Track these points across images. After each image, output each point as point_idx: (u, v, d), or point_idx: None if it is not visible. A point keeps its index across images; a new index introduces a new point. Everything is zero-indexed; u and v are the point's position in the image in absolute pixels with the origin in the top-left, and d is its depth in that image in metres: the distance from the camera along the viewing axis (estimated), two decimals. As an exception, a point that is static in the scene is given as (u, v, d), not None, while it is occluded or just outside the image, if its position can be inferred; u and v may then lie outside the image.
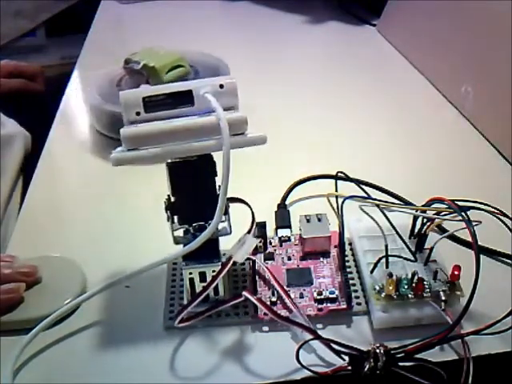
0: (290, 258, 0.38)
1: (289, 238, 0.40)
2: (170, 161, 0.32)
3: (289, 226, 0.40)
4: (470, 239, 0.30)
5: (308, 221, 0.38)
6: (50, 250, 0.40)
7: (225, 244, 0.34)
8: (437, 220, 0.35)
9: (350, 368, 0.30)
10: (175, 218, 0.33)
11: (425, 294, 0.33)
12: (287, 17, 0.85)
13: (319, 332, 0.32)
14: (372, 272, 0.34)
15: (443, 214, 0.34)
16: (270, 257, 0.38)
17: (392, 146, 0.52)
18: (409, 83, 0.64)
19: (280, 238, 0.39)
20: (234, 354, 0.32)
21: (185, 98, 0.32)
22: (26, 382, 0.31)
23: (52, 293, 0.36)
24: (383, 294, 0.33)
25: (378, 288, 0.33)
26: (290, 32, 0.80)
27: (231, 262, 0.32)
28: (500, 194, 0.42)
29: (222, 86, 0.32)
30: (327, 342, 0.31)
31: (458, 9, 0.60)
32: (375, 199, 0.41)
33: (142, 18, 0.89)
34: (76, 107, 0.64)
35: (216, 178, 0.32)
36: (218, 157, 0.31)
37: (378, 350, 0.29)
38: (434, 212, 0.35)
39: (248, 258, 0.37)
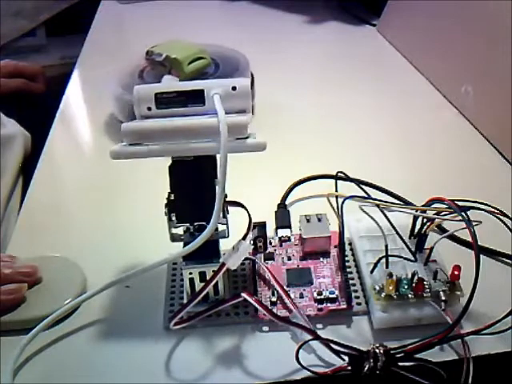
0: (289, 258, 0.38)
1: (289, 238, 0.40)
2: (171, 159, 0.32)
3: (289, 226, 0.40)
4: (470, 239, 0.30)
5: (308, 221, 0.38)
6: (50, 250, 0.40)
7: (225, 244, 0.34)
8: (437, 220, 0.35)
9: (349, 368, 0.30)
10: (173, 216, 0.33)
11: (425, 294, 0.33)
12: (287, 17, 0.85)
13: (319, 332, 0.32)
14: (372, 272, 0.34)
15: (443, 214, 0.34)
16: (269, 257, 0.38)
17: (392, 146, 0.52)
18: (409, 83, 0.64)
19: (280, 238, 0.39)
20: (233, 354, 0.32)
21: (196, 97, 0.32)
22: (25, 382, 0.31)
23: (52, 293, 0.36)
24: (383, 294, 0.32)
25: (378, 288, 0.33)
26: (290, 32, 0.80)
27: (224, 269, 0.32)
28: (500, 194, 0.42)
29: (234, 88, 0.32)
30: (327, 343, 0.31)
31: (457, 9, 0.60)
32: (375, 199, 0.41)
33: (142, 18, 0.89)
34: (76, 107, 0.64)
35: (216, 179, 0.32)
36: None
37: (377, 350, 0.29)
38: (434, 212, 0.35)
39: (248, 258, 0.37)
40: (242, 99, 0.32)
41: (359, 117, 0.57)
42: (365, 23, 0.81)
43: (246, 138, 0.31)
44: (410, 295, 0.32)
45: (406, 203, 0.43)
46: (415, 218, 0.36)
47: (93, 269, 0.38)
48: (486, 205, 0.33)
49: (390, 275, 0.32)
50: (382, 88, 0.62)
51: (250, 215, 0.33)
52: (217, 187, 0.30)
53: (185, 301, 0.34)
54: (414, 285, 0.32)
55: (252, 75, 0.57)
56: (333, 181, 0.46)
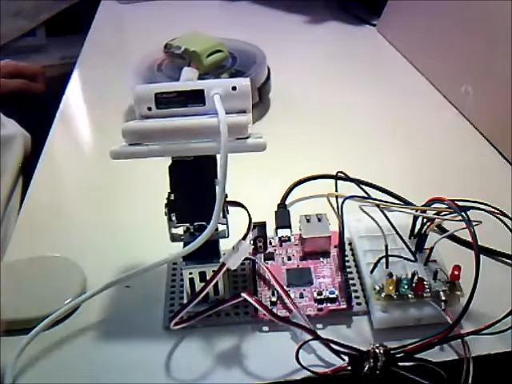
0: (289, 258, 0.38)
1: (289, 238, 0.39)
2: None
3: (289, 226, 0.40)
4: (470, 239, 0.30)
5: (308, 221, 0.38)
6: (50, 250, 0.40)
7: (225, 244, 0.34)
8: (437, 220, 0.35)
9: (349, 368, 0.30)
10: (173, 216, 0.33)
11: (425, 294, 0.33)
12: (287, 17, 0.85)
13: (319, 332, 0.32)
14: (372, 272, 0.34)
15: (443, 214, 0.34)
16: (270, 257, 0.38)
17: (392, 146, 0.52)
18: (409, 83, 0.64)
19: (280, 238, 0.39)
20: (233, 354, 0.32)
21: (196, 97, 0.32)
22: (25, 382, 0.31)
23: (52, 293, 0.36)
24: (383, 294, 0.32)
25: (378, 288, 0.33)
26: (290, 32, 0.80)
27: (224, 269, 0.32)
28: (500, 194, 0.42)
29: (234, 88, 0.32)
30: (327, 343, 0.31)
31: (458, 9, 0.60)
32: (375, 199, 0.41)
33: (141, 18, 0.89)
34: (76, 107, 0.64)
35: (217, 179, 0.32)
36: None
37: (377, 350, 0.29)
38: (434, 212, 0.35)
39: (248, 258, 0.37)
40: (242, 99, 0.32)
41: (359, 117, 0.57)
42: (365, 23, 0.81)
43: (247, 137, 0.31)
44: (410, 295, 0.32)
45: (406, 203, 0.43)
46: (415, 218, 0.36)
47: (93, 269, 0.38)
48: (486, 205, 0.33)
49: (390, 275, 0.32)
50: (382, 88, 0.62)
51: (249, 215, 0.33)
52: (217, 187, 0.30)
53: (185, 301, 0.34)
54: (414, 285, 0.32)
55: (268, 68, 0.59)
56: (333, 181, 0.46)
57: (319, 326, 0.33)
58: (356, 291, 0.35)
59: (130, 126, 0.31)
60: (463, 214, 0.31)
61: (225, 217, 0.33)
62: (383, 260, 0.34)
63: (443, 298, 0.32)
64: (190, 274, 0.33)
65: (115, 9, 0.94)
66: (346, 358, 0.30)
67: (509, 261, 0.37)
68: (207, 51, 0.54)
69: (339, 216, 0.37)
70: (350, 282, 0.35)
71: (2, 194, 0.57)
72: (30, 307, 0.35)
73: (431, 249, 0.35)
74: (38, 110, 0.73)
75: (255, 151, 0.30)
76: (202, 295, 0.32)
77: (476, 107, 0.54)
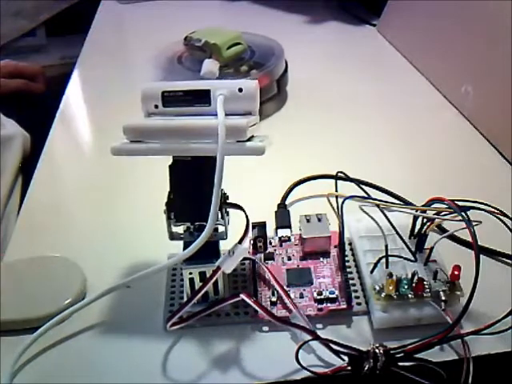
0: (290, 258, 0.38)
1: (289, 238, 0.39)
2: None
3: (289, 226, 0.40)
4: (470, 239, 0.30)
5: (308, 221, 0.38)
6: (50, 250, 0.40)
7: (226, 244, 0.34)
8: (437, 220, 0.35)
9: (349, 368, 0.30)
10: (172, 214, 0.33)
11: (425, 294, 0.33)
12: (287, 17, 0.85)
13: (319, 332, 0.32)
14: (372, 272, 0.34)
15: (443, 214, 0.34)
16: (270, 257, 0.38)
17: (392, 146, 0.52)
18: (409, 83, 0.64)
19: (280, 238, 0.39)
20: (233, 354, 0.32)
21: (202, 97, 0.32)
22: (25, 382, 0.31)
23: (52, 293, 0.36)
24: (383, 294, 0.32)
25: (378, 288, 0.33)
26: (290, 32, 0.80)
27: (219, 273, 0.32)
28: (500, 194, 0.42)
29: (241, 90, 0.32)
30: (326, 343, 0.31)
31: (457, 9, 0.60)
32: (375, 199, 0.41)
33: (141, 18, 0.90)
34: (76, 107, 0.64)
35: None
36: (227, 157, 0.31)
37: (377, 350, 0.29)
38: (434, 212, 0.35)
39: (248, 258, 0.37)
40: (248, 101, 0.32)
41: (359, 117, 0.57)
42: (365, 23, 0.81)
43: (247, 140, 0.30)
44: (410, 295, 0.32)
45: (406, 203, 0.43)
46: (415, 218, 0.36)
47: (93, 269, 0.38)
48: (486, 205, 0.33)
49: (390, 275, 0.32)
50: (382, 88, 0.62)
51: (247, 218, 0.33)
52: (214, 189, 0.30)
53: (185, 301, 0.34)
54: (414, 285, 0.32)
55: (286, 62, 0.60)
56: (333, 181, 0.46)
57: (319, 326, 0.33)
58: (356, 291, 0.35)
59: (131, 124, 0.31)
60: (463, 213, 0.31)
61: (223, 218, 0.33)
62: (383, 260, 0.34)
63: (443, 298, 0.32)
64: (190, 274, 0.33)
65: (115, 9, 0.94)
66: (346, 358, 0.30)
67: (509, 261, 0.37)
68: (227, 44, 0.56)
69: (339, 216, 0.37)
70: (350, 281, 0.35)
71: (1, 194, 0.57)
72: (30, 307, 0.35)
73: (431, 249, 0.35)
74: (37, 110, 0.73)
75: (253, 155, 0.30)
76: (197, 297, 0.32)
77: (476, 107, 0.54)
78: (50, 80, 0.81)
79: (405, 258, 0.35)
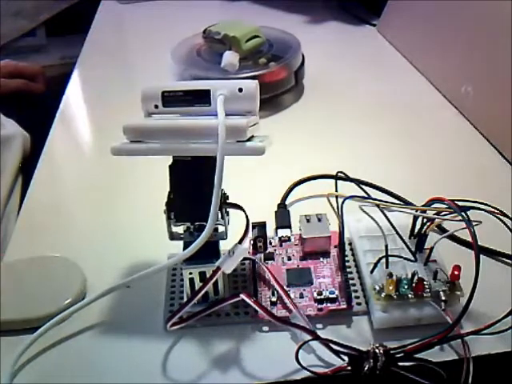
0: (290, 258, 0.38)
1: (289, 238, 0.39)
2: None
3: (289, 226, 0.40)
4: (470, 239, 0.30)
5: (308, 221, 0.38)
6: (50, 250, 0.40)
7: (227, 243, 0.34)
8: (437, 220, 0.35)
9: (349, 368, 0.30)
10: (172, 214, 0.33)
11: (425, 294, 0.33)
12: (287, 17, 0.85)
13: (319, 332, 0.32)
14: (372, 272, 0.34)
15: (443, 214, 0.34)
16: (270, 257, 0.38)
17: (392, 146, 0.52)
18: (409, 83, 0.64)
19: (280, 238, 0.39)
20: (234, 354, 0.32)
21: (202, 97, 0.32)
22: (25, 382, 0.31)
23: (52, 293, 0.36)
24: (383, 294, 0.32)
25: (378, 288, 0.33)
26: (289, 32, 0.80)
27: (219, 273, 0.32)
28: (500, 194, 0.42)
29: (241, 90, 0.32)
30: (326, 343, 0.31)
31: (457, 9, 0.60)
32: (375, 199, 0.41)
33: (141, 18, 0.89)
34: (76, 107, 0.64)
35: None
36: (228, 157, 0.31)
37: (377, 350, 0.29)
38: (434, 212, 0.35)
39: (248, 258, 0.37)
40: (248, 101, 0.32)
41: (359, 117, 0.57)
42: (365, 23, 0.81)
43: (247, 140, 0.30)
44: (410, 295, 0.32)
45: (406, 203, 0.43)
46: (415, 218, 0.36)
47: (93, 269, 0.38)
48: (486, 205, 0.33)
49: (390, 275, 0.32)
50: (382, 88, 0.62)
51: (247, 218, 0.33)
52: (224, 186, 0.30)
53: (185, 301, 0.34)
54: (414, 285, 0.32)
55: (303, 55, 0.61)
56: (333, 181, 0.46)
57: (319, 325, 0.33)
58: (356, 291, 0.35)
59: (131, 124, 0.31)
60: (463, 213, 0.31)
61: (223, 218, 0.33)
62: (383, 260, 0.34)
63: (443, 298, 0.32)
64: (190, 274, 0.33)
65: (115, 9, 0.94)
66: (346, 358, 0.30)
67: (509, 261, 0.37)
68: (246, 36, 0.57)
69: (339, 216, 0.37)
70: (350, 282, 0.35)
71: (1, 194, 0.57)
72: (30, 307, 0.35)
73: (431, 249, 0.35)
74: (38, 110, 0.73)
75: (253, 155, 0.30)
76: (197, 298, 0.32)
77: (476, 107, 0.54)
78: (50, 80, 0.81)
79: (405, 258, 0.35)
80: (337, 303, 0.34)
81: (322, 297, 0.34)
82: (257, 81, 0.32)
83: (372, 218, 0.38)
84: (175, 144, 0.31)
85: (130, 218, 0.44)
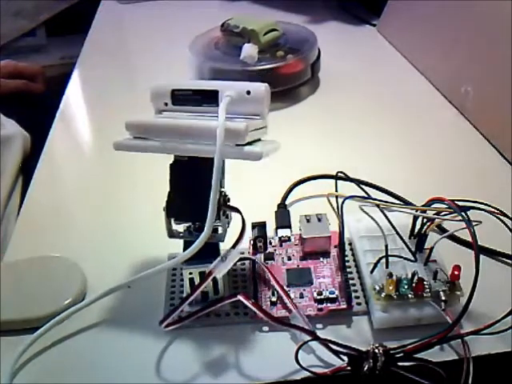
0: (290, 258, 0.38)
1: (289, 238, 0.39)
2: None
3: (289, 226, 0.40)
4: (470, 239, 0.30)
5: (308, 221, 0.38)
6: (50, 250, 0.40)
7: (226, 244, 0.34)
8: (437, 220, 0.35)
9: (349, 368, 0.30)
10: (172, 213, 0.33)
11: (425, 294, 0.33)
12: (287, 17, 0.85)
13: (319, 332, 0.32)
14: (372, 272, 0.34)
15: (443, 214, 0.34)
16: (270, 257, 0.38)
17: (392, 146, 0.52)
18: (409, 83, 0.64)
19: (280, 238, 0.39)
20: (233, 354, 0.32)
21: (211, 98, 0.32)
22: (25, 382, 0.31)
23: (52, 293, 0.36)
24: (383, 294, 0.32)
25: (378, 288, 0.33)
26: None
27: (211, 278, 0.32)
28: (500, 194, 0.42)
29: (249, 93, 0.32)
30: (326, 343, 0.31)
31: (458, 9, 0.60)
32: (375, 199, 0.41)
33: (142, 18, 0.89)
34: (76, 107, 0.64)
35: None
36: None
37: (377, 350, 0.29)
38: (434, 212, 0.35)
39: (248, 258, 0.37)
40: (255, 104, 0.32)
41: (359, 117, 0.57)
42: (365, 23, 0.81)
43: (246, 144, 0.30)
44: (410, 295, 0.32)
45: (406, 203, 0.43)
46: (415, 218, 0.36)
47: (93, 269, 0.38)
48: (486, 205, 0.33)
49: (390, 275, 0.32)
50: (382, 88, 0.62)
51: (244, 221, 0.33)
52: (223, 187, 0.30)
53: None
54: (414, 285, 0.32)
55: (319, 50, 0.62)
56: (333, 181, 0.46)
57: (319, 326, 0.33)
58: (356, 291, 0.35)
59: (134, 120, 0.32)
60: (463, 213, 0.31)
61: (222, 220, 0.33)
62: (383, 260, 0.34)
63: (443, 298, 0.32)
64: (190, 273, 0.33)
65: (115, 9, 0.94)
66: (346, 358, 0.30)
67: (509, 261, 0.37)
68: (264, 29, 0.59)
69: (339, 216, 0.37)
70: (350, 281, 0.35)
71: (1, 194, 0.57)
72: (30, 307, 0.35)
73: (431, 249, 0.35)
74: (37, 110, 0.73)
75: (250, 160, 0.30)
76: (190, 299, 0.32)
77: (476, 107, 0.54)
78: (50, 80, 0.81)
79: (405, 258, 0.35)
80: (337, 303, 0.34)
81: (322, 297, 0.34)
82: (267, 84, 0.32)
83: (372, 218, 0.38)
84: (173, 143, 0.31)
85: (130, 218, 0.44)
